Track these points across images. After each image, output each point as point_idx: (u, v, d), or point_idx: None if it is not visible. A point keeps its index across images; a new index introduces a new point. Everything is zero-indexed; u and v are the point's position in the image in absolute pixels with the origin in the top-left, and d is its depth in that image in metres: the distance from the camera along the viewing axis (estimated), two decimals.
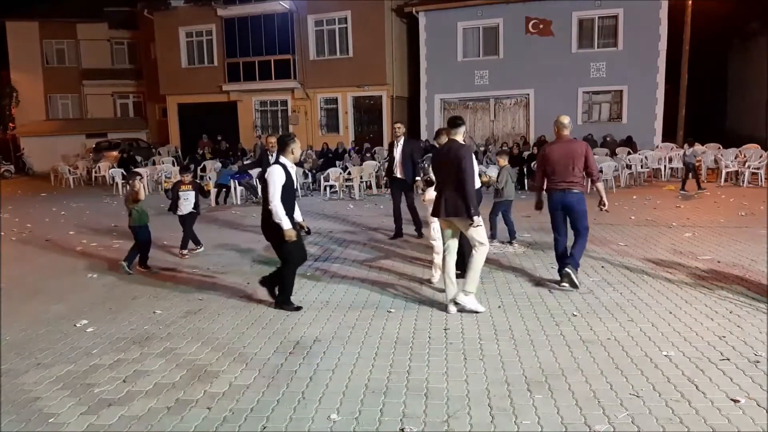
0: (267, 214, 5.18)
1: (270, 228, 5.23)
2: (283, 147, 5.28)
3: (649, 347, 4.24)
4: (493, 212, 8.17)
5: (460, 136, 5.29)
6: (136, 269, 6.99)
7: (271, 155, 8.55)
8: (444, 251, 5.35)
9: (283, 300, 5.41)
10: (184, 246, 7.88)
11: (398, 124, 8.70)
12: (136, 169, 12.83)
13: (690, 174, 12.80)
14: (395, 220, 8.67)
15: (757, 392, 3.50)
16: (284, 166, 5.14)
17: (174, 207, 7.88)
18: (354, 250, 7.96)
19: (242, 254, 7.93)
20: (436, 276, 6.06)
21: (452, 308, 5.14)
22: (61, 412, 3.53)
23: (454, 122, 5.31)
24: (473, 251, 5.17)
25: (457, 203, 5.04)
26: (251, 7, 22.01)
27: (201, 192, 8.19)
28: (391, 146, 8.68)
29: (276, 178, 5.04)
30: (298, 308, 5.37)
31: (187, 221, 7.86)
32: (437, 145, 6.61)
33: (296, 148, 5.30)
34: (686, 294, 5.48)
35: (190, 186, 7.96)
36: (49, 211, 13.00)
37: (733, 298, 5.28)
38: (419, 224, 8.55)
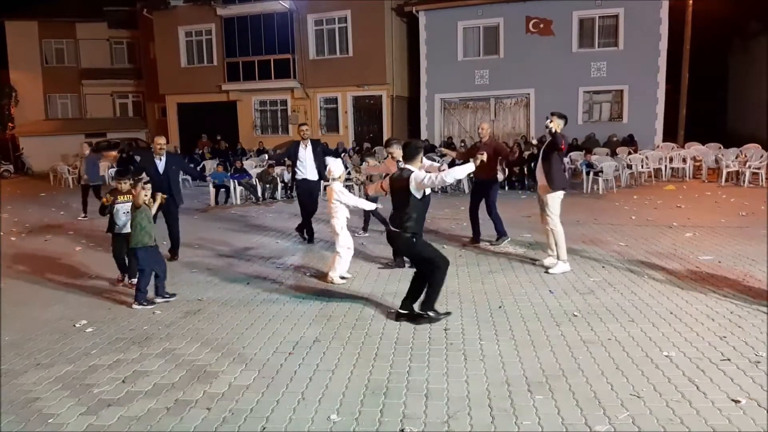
0: (399, 225, 4.83)
1: (403, 239, 4.88)
2: (412, 156, 4.95)
3: (650, 348, 4.23)
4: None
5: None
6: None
7: (159, 158, 7.37)
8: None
9: (428, 307, 4.92)
10: (132, 274, 6.26)
11: (305, 126, 8.66)
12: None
13: None
14: (309, 224, 8.51)
15: (758, 393, 3.49)
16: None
17: (111, 224, 6.26)
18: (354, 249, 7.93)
19: (241, 254, 7.92)
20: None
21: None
22: (60, 412, 3.52)
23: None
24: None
25: None
26: (251, 7, 22.00)
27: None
28: (296, 148, 8.39)
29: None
30: (448, 313, 5.05)
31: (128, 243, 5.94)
32: (393, 156, 6.86)
33: (423, 158, 5.10)
34: (687, 294, 5.47)
35: (130, 195, 6.02)
36: (49, 211, 12.99)
37: (734, 299, 5.27)
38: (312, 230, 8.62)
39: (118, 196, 6.13)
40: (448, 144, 19.34)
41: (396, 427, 3.23)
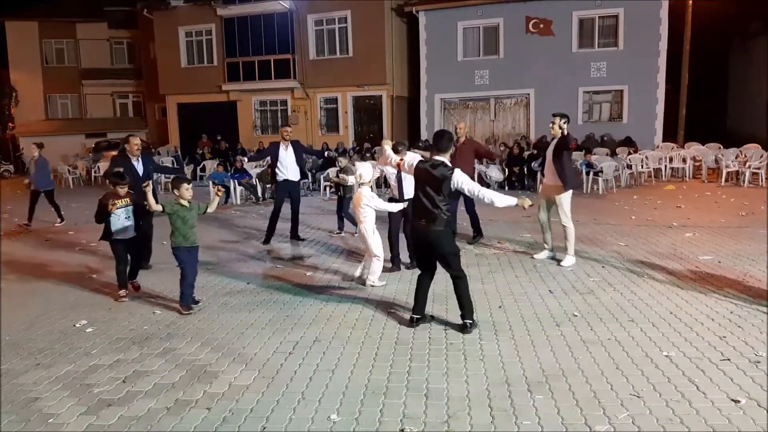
0: (439, 222, 4.61)
1: (447, 236, 4.70)
2: (446, 149, 4.75)
3: (650, 348, 4.24)
4: (343, 208, 8.93)
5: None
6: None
7: (137, 160, 6.94)
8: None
9: (471, 314, 4.73)
10: (133, 275, 6.11)
11: (288, 128, 8.69)
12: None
13: None
14: (274, 225, 8.51)
15: (758, 392, 3.50)
16: None
17: (108, 231, 5.84)
18: (354, 249, 7.95)
19: (242, 254, 7.92)
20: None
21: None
22: (60, 412, 3.52)
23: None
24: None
25: None
26: (251, 7, 22.00)
27: (142, 210, 5.94)
28: (276, 149, 8.42)
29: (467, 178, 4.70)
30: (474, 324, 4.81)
31: (129, 248, 5.96)
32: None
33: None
34: (687, 294, 5.47)
35: (128, 199, 5.87)
36: (49, 211, 12.97)
37: (734, 299, 5.28)
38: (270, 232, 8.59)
39: (117, 201, 5.80)
40: None
41: (396, 427, 3.24)
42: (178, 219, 5.40)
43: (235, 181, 13.78)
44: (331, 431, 3.23)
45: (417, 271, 6.54)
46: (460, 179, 4.64)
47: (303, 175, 8.77)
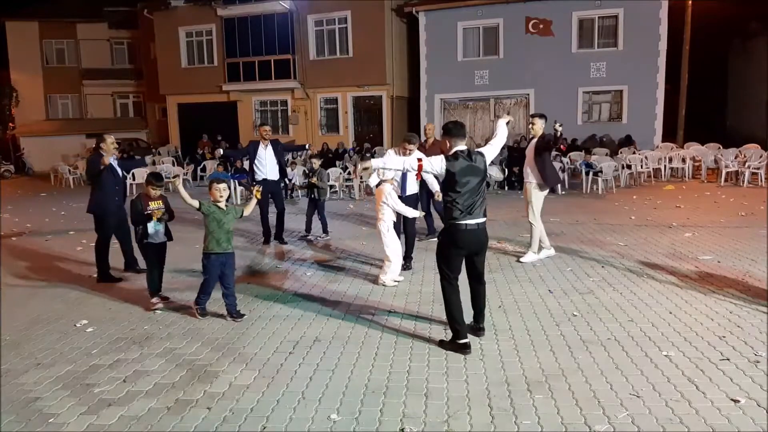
0: (483, 216, 4.29)
1: (486, 233, 4.37)
2: (463, 137, 4.31)
3: (649, 347, 4.24)
4: (321, 210, 8.90)
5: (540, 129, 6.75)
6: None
7: (115, 159, 6.78)
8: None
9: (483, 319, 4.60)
10: (157, 289, 5.65)
11: (266, 128, 8.60)
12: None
13: None
14: (265, 224, 8.53)
15: (757, 392, 3.50)
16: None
17: (144, 233, 5.50)
18: (354, 249, 7.96)
19: (241, 254, 7.91)
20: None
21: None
22: (61, 412, 3.52)
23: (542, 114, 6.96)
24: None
25: None
26: (251, 7, 22.03)
27: (170, 213, 5.70)
28: (255, 148, 8.39)
29: None
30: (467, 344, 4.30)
31: (160, 253, 5.66)
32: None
33: None
34: (686, 294, 5.47)
35: (161, 201, 5.61)
36: (49, 211, 13.00)
37: (733, 299, 5.28)
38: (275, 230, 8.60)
39: (149, 203, 5.50)
40: None
41: (396, 427, 3.24)
42: (214, 221, 5.08)
43: (235, 181, 13.79)
44: (331, 431, 3.23)
45: (414, 271, 6.60)
46: (490, 154, 4.49)
47: (282, 174, 8.71)
